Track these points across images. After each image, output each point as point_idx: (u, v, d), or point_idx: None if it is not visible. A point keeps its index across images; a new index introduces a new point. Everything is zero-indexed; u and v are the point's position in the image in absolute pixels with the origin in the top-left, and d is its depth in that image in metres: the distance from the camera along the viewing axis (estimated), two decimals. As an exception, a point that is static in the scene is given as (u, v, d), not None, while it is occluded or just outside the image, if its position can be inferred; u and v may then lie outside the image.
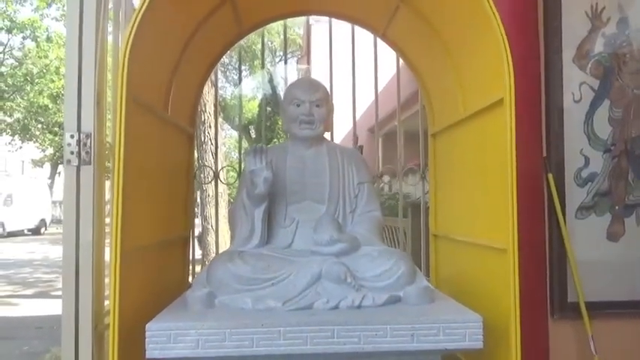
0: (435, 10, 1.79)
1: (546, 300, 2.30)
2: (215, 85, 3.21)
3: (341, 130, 2.74)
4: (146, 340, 1.35)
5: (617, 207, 2.36)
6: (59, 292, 1.69)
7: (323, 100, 1.89)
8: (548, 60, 2.34)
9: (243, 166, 2.17)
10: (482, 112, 1.65)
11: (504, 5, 2.12)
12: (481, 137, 1.69)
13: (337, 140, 2.79)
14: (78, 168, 1.56)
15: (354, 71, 2.64)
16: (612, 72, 2.37)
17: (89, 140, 1.57)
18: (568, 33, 2.35)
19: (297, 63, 16.28)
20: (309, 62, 11.11)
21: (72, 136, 1.56)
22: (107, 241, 1.57)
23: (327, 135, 2.05)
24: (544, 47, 2.35)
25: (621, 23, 2.38)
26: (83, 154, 1.55)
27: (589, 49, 2.37)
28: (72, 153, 1.55)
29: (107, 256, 1.52)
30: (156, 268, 1.76)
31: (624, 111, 2.37)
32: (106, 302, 1.69)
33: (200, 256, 5.69)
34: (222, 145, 9.59)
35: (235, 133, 16.98)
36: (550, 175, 2.30)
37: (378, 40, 2.36)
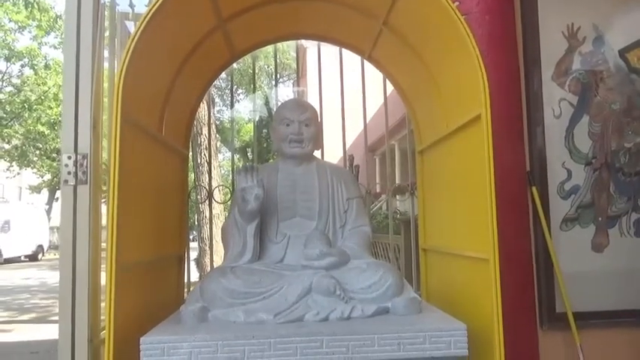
0: (414, 33, 1.88)
1: (535, 311, 2.34)
2: (209, 107, 3.29)
3: (337, 150, 2.82)
4: (140, 353, 1.39)
5: (600, 218, 2.42)
6: (56, 318, 1.73)
7: (312, 119, 1.97)
8: (528, 78, 2.44)
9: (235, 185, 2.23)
10: (463, 128, 1.73)
11: (484, 28, 2.23)
12: (463, 152, 1.76)
13: (333, 160, 2.87)
14: (75, 187, 1.62)
15: (342, 92, 2.73)
16: (590, 88, 2.47)
17: (85, 161, 1.63)
18: (546, 52, 2.45)
19: (293, 85, 16.50)
20: (302, 84, 11.30)
21: (69, 157, 1.63)
22: (103, 265, 1.62)
23: (317, 153, 2.12)
24: (524, 66, 2.45)
25: (597, 42, 2.49)
26: (80, 174, 1.62)
27: (567, 67, 2.47)
28: (69, 173, 1.62)
29: (103, 275, 1.56)
30: (150, 285, 1.80)
31: (603, 125, 2.46)
32: (102, 317, 1.73)
33: (197, 278, 5.70)
34: (220, 167, 9.66)
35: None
36: (534, 189, 2.37)
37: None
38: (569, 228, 2.42)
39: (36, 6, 13.16)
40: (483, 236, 1.55)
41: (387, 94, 2.75)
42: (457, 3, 2.20)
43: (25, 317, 7.01)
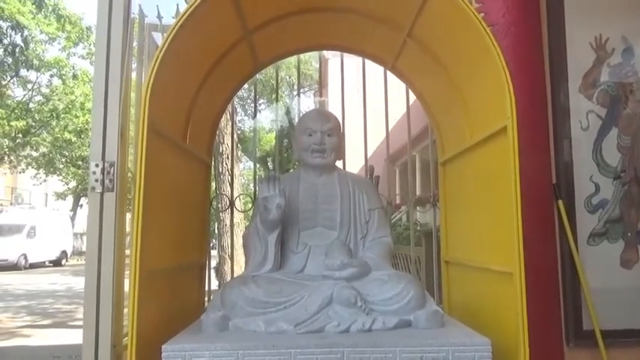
0: (439, 44, 1.88)
1: (561, 327, 2.28)
2: (232, 117, 3.33)
3: (357, 160, 2.81)
4: (162, 360, 1.40)
5: (629, 234, 2.36)
6: (77, 322, 1.76)
7: (334, 129, 1.97)
8: (554, 90, 2.40)
9: (257, 194, 2.24)
10: (488, 140, 1.71)
11: (510, 39, 2.21)
12: (487, 164, 1.74)
13: (354, 170, 2.87)
14: (102, 195, 1.65)
15: (364, 102, 2.73)
16: (619, 101, 2.42)
17: (112, 169, 1.66)
18: (573, 64, 2.41)
19: (315, 96, 16.57)
20: (324, 95, 11.36)
21: (97, 165, 1.66)
22: (127, 272, 1.64)
23: (338, 163, 2.12)
24: (550, 78, 2.41)
25: (626, 53, 2.44)
26: (107, 181, 1.65)
27: (595, 79, 2.42)
28: (96, 181, 1.65)
29: (127, 281, 1.58)
30: (172, 292, 1.81)
31: (633, 138, 2.40)
32: (125, 323, 1.74)
33: (217, 287, 5.72)
34: (241, 177, 9.74)
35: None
36: (560, 202, 2.32)
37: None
38: (596, 243, 2.36)
39: (67, 19, 13.55)
40: (508, 249, 1.52)
41: (409, 104, 2.73)
42: (483, 14, 2.19)
43: (47, 322, 7.12)
